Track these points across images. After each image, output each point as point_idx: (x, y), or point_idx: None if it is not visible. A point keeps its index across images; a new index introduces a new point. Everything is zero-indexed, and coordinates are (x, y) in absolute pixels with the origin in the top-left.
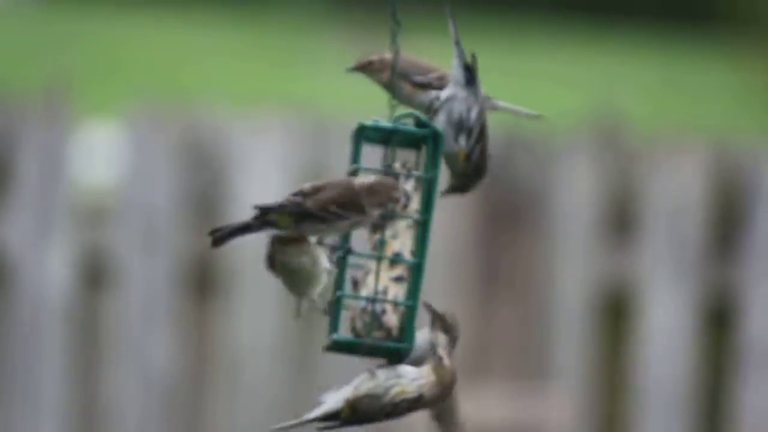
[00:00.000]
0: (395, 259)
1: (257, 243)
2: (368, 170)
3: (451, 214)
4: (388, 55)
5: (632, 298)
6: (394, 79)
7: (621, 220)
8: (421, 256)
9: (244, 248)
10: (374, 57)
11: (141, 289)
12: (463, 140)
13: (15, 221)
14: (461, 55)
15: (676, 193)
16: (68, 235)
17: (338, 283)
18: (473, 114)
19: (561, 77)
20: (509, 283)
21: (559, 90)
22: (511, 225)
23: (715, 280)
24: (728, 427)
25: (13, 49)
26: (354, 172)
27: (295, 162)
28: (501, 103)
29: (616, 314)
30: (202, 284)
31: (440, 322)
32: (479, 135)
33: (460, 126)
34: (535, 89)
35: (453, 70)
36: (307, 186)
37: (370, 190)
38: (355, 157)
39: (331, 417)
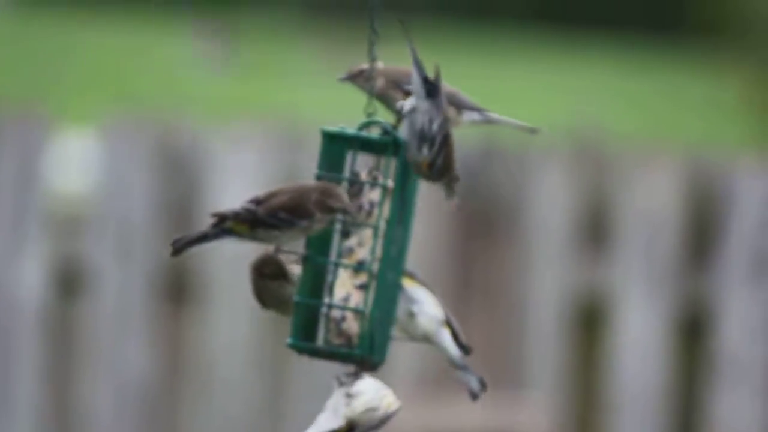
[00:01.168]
0: (358, 268)
1: (231, 250)
2: (332, 177)
3: (426, 224)
4: (379, 65)
5: (606, 308)
6: (371, 89)
7: (595, 231)
8: (398, 270)
9: (217, 256)
10: (365, 66)
11: (115, 297)
12: (426, 150)
13: None
14: (419, 67)
15: (651, 204)
16: (43, 243)
17: (299, 288)
18: (435, 125)
19: (537, 88)
20: (483, 293)
21: (535, 101)
22: (485, 235)
23: (689, 290)
24: None
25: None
26: (319, 179)
27: (271, 171)
28: (495, 116)
29: (590, 325)
30: (177, 291)
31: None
32: (442, 144)
33: (422, 137)
34: (511, 100)
35: (413, 83)
36: (262, 193)
37: (317, 194)
38: (320, 163)
39: None
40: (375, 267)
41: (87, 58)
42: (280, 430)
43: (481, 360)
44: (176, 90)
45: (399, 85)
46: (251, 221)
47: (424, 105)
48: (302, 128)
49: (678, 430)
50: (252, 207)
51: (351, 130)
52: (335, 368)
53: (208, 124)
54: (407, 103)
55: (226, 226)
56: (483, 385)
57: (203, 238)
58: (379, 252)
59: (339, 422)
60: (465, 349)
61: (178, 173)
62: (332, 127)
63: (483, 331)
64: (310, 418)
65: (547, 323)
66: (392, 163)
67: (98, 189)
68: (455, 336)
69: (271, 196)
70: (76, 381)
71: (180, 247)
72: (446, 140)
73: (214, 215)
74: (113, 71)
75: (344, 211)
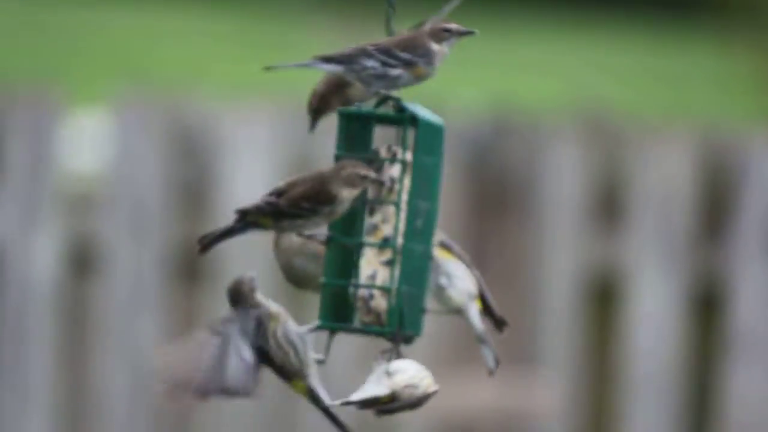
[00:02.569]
0: (382, 245)
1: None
2: (352, 156)
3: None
4: (319, 87)
5: (620, 283)
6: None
7: (608, 206)
8: (426, 243)
9: None
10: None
11: (128, 276)
12: (393, 71)
13: (2, 208)
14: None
15: (664, 179)
16: (56, 222)
17: (325, 269)
18: (368, 62)
19: (547, 64)
20: (497, 269)
21: (546, 77)
22: (498, 212)
23: (703, 265)
24: (716, 412)
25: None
26: (338, 158)
27: (282, 149)
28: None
29: (603, 300)
30: (190, 270)
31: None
32: (386, 52)
33: (380, 76)
34: (521, 76)
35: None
36: (281, 184)
37: (338, 172)
38: (339, 144)
39: (370, 403)
40: (399, 242)
41: (98, 36)
42: (293, 407)
43: (494, 336)
44: (188, 68)
45: (339, 89)
46: (274, 214)
47: (347, 71)
48: None
49: (692, 404)
50: (273, 200)
51: (367, 108)
52: (348, 346)
53: (220, 102)
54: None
55: (249, 219)
56: (497, 362)
57: (229, 232)
58: (402, 227)
59: (384, 390)
60: (500, 322)
61: (190, 150)
62: (349, 107)
63: (497, 307)
64: (325, 388)
65: (561, 299)
66: (410, 137)
67: (111, 167)
68: (490, 310)
69: (292, 186)
70: (91, 359)
71: (207, 243)
72: (383, 48)
73: (237, 211)
74: (125, 50)
75: (372, 180)
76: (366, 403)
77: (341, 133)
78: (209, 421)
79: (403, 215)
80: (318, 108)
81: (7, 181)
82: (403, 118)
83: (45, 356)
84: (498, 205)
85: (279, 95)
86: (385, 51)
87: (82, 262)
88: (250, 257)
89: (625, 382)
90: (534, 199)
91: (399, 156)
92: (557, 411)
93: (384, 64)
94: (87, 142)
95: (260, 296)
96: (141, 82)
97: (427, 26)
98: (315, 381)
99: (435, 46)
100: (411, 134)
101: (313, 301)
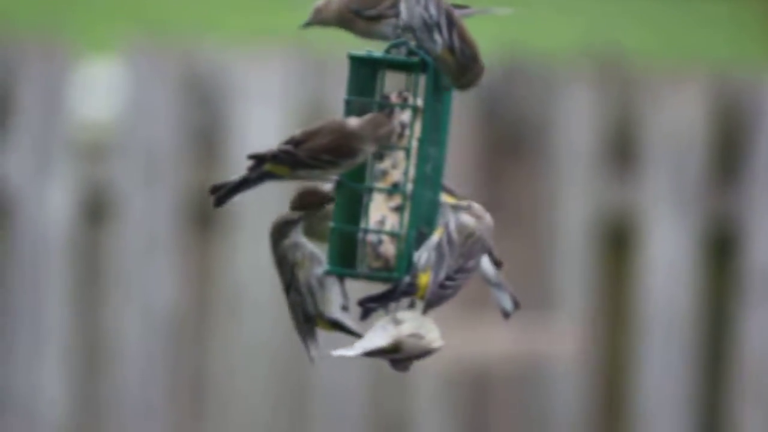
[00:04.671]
0: (392, 190)
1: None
2: (363, 101)
3: (452, 147)
4: None
5: (635, 228)
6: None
7: (622, 150)
8: (435, 189)
9: None
10: (318, 4)
11: (142, 223)
12: (438, 36)
13: (15, 157)
14: None
15: (677, 122)
16: (69, 170)
17: (334, 214)
18: (432, 9)
19: (559, 8)
20: (511, 215)
21: (558, 21)
22: (512, 157)
23: (718, 208)
24: (732, 356)
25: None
26: (349, 104)
27: (294, 95)
28: (470, 10)
29: (618, 245)
30: (203, 217)
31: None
32: (449, 23)
33: (427, 26)
34: (533, 20)
35: None
36: (298, 133)
37: (373, 129)
38: (349, 88)
39: (377, 353)
40: (409, 188)
41: None
42: (307, 366)
43: (509, 282)
44: (198, 16)
45: (357, 13)
46: (292, 163)
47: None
48: (326, 51)
49: (708, 347)
50: (290, 149)
51: (378, 52)
52: (359, 291)
53: (232, 49)
54: (402, 14)
55: (264, 169)
56: (516, 304)
57: (244, 183)
58: (412, 173)
59: (387, 340)
60: (496, 263)
61: (202, 98)
62: (359, 51)
63: (511, 253)
64: (340, 337)
65: (576, 244)
66: (421, 83)
67: (123, 115)
68: (488, 251)
69: (310, 136)
70: (104, 307)
71: (222, 195)
72: (451, 18)
73: (251, 157)
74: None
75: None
76: (371, 354)
77: (351, 78)
78: (222, 369)
79: (413, 161)
80: (321, 9)
81: (20, 129)
82: (414, 63)
83: (60, 303)
84: (511, 151)
85: (290, 41)
86: (450, 20)
87: (95, 209)
88: (264, 201)
89: (640, 326)
90: (548, 144)
91: (410, 101)
92: (572, 356)
93: (437, 25)
94: (99, 89)
95: (299, 236)
96: (152, 30)
97: (481, 62)
98: (338, 315)
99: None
100: (422, 80)
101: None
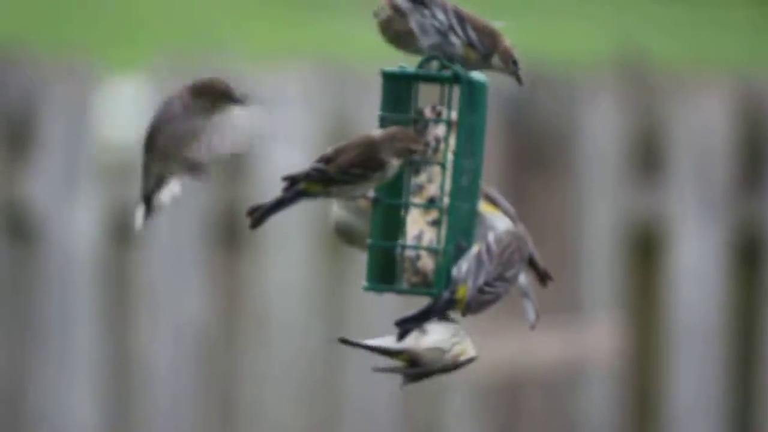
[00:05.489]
0: (428, 205)
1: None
2: (396, 117)
3: None
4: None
5: (662, 235)
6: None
7: (648, 158)
8: (472, 201)
9: (270, 199)
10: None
11: (169, 243)
12: (454, 38)
13: (41, 178)
14: None
15: (702, 128)
16: (94, 191)
17: (372, 230)
18: (439, 15)
19: (582, 17)
20: (538, 225)
21: (581, 30)
22: (538, 167)
23: (744, 214)
24: (762, 360)
25: (32, 8)
26: (383, 120)
27: (320, 109)
28: None
29: (646, 252)
30: (230, 234)
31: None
32: (460, 21)
33: (442, 33)
34: (558, 28)
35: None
36: (329, 150)
37: (390, 142)
38: (383, 104)
39: (389, 353)
40: (445, 202)
41: (128, 3)
42: (337, 369)
43: (536, 291)
44: (221, 31)
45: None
46: (323, 180)
47: (418, 13)
48: (351, 66)
49: (737, 353)
50: (322, 166)
51: (410, 68)
52: (391, 308)
53: (256, 64)
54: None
55: (299, 188)
56: (537, 315)
57: (279, 204)
58: (448, 187)
59: (398, 347)
60: (544, 276)
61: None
62: (392, 67)
63: (541, 261)
64: (367, 356)
65: (603, 253)
66: (454, 96)
67: None
68: (534, 263)
69: (339, 153)
70: (133, 327)
71: (259, 217)
72: (460, 15)
73: (286, 179)
74: (156, 16)
75: (421, 151)
76: (373, 349)
77: (385, 94)
78: (252, 386)
79: (448, 175)
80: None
81: (46, 150)
82: (446, 77)
83: (88, 324)
84: (537, 161)
85: (314, 55)
86: (460, 18)
87: (122, 230)
88: (289, 217)
89: (669, 332)
90: (573, 153)
91: (444, 116)
92: (603, 364)
93: (450, 27)
94: (123, 110)
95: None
96: (175, 49)
97: (504, 41)
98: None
99: (498, 56)
100: (455, 93)
101: (361, 258)
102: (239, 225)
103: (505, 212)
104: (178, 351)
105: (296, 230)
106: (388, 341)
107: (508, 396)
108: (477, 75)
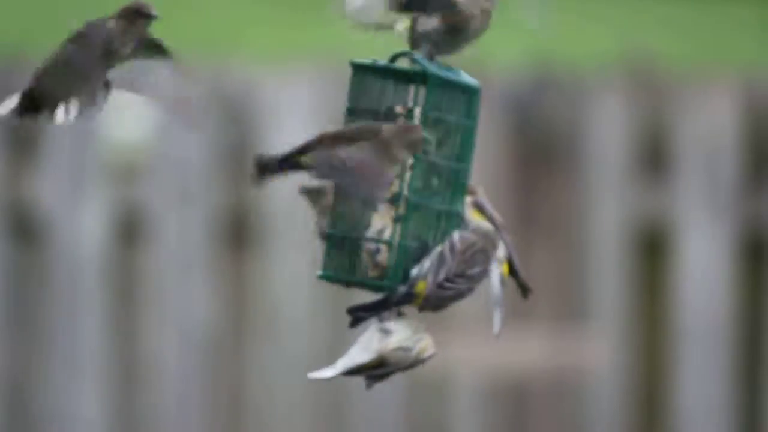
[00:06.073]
0: (391, 200)
1: (291, 193)
2: (364, 111)
3: (484, 159)
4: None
5: (668, 235)
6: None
7: (655, 157)
8: (450, 203)
9: (277, 198)
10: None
11: (176, 243)
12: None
13: (48, 179)
14: None
15: (709, 129)
16: (102, 192)
17: (335, 221)
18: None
19: (588, 16)
20: (545, 225)
21: (588, 30)
22: (544, 167)
23: (751, 214)
24: None
25: (38, 9)
26: (349, 111)
27: (325, 111)
28: None
29: (653, 252)
30: (238, 235)
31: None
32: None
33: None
34: (565, 28)
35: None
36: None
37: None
38: (350, 97)
39: (359, 370)
40: (407, 198)
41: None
42: (345, 393)
43: (544, 292)
44: (226, 33)
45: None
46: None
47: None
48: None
49: (743, 354)
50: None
51: (382, 62)
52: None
53: (261, 66)
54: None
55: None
56: (502, 326)
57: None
58: (418, 183)
59: (370, 356)
60: (525, 288)
61: (233, 116)
62: (365, 60)
63: (545, 263)
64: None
65: (610, 253)
66: (422, 93)
67: (155, 135)
68: (516, 274)
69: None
70: (141, 327)
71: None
72: None
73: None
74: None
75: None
76: (352, 372)
77: (354, 86)
78: (259, 387)
79: (408, 172)
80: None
81: (53, 151)
82: (416, 74)
83: (96, 325)
84: (544, 161)
85: (320, 58)
86: None
87: (129, 230)
88: (298, 217)
89: (676, 333)
90: (580, 153)
91: (414, 111)
92: (609, 365)
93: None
94: (130, 111)
95: None
96: (181, 50)
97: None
98: None
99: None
100: (421, 91)
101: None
102: (246, 225)
103: (490, 220)
104: (186, 351)
105: (303, 230)
106: (358, 355)
107: (513, 399)
108: (470, 79)
